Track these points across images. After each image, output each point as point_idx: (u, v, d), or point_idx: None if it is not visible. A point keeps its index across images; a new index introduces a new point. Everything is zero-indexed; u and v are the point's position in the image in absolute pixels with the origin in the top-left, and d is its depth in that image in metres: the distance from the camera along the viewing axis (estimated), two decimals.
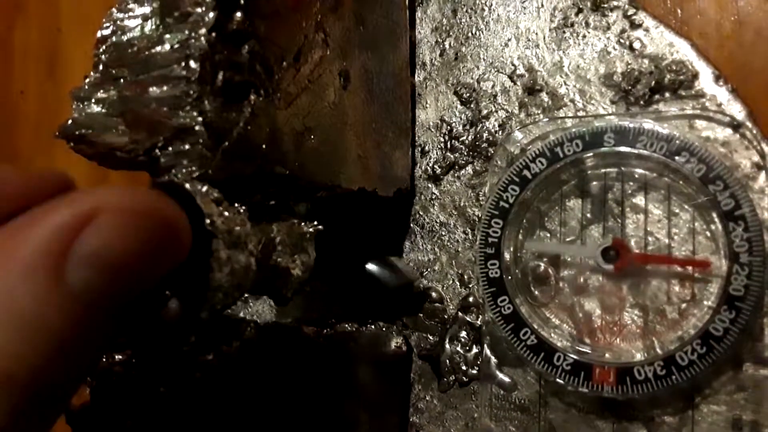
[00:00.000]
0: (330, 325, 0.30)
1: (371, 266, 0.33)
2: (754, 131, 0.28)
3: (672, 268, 0.28)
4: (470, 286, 0.33)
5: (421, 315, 0.34)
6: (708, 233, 0.28)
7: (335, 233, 0.30)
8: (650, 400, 0.28)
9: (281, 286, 0.27)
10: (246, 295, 0.39)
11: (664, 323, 0.28)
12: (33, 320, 0.15)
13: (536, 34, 0.33)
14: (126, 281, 0.17)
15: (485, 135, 0.34)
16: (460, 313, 0.33)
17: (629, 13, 0.31)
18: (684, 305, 0.28)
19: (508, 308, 0.29)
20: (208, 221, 0.22)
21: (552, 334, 0.29)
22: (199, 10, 0.23)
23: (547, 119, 0.32)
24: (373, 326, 0.32)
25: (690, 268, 0.28)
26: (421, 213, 0.35)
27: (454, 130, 0.35)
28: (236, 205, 0.25)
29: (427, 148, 0.35)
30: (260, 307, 0.38)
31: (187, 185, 0.23)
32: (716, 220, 0.27)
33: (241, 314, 0.36)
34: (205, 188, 0.23)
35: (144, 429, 0.21)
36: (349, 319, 0.31)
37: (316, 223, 0.28)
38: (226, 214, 0.23)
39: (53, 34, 0.52)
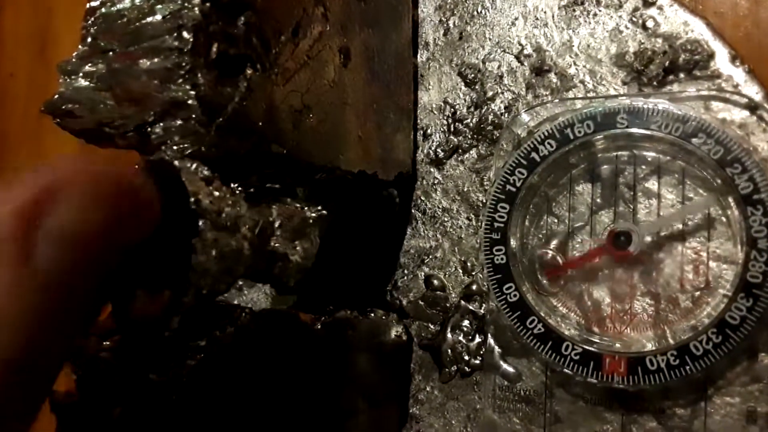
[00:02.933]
0: (328, 312, 0.29)
1: None
2: None
3: (685, 254, 0.27)
4: (473, 273, 0.32)
5: (422, 303, 0.33)
6: (724, 218, 0.27)
7: (334, 218, 0.29)
8: (661, 391, 0.27)
9: (280, 274, 0.26)
10: (240, 282, 0.38)
11: (677, 312, 0.27)
12: (3, 307, 0.15)
13: (545, 12, 0.32)
14: (93, 255, 0.17)
15: (490, 117, 0.33)
16: (462, 302, 0.32)
17: None
18: (698, 293, 0.27)
19: (515, 296, 0.28)
20: (192, 200, 0.20)
21: (560, 323, 0.28)
22: None
23: (555, 101, 0.30)
24: (372, 314, 0.31)
25: (704, 255, 0.27)
26: (422, 198, 0.34)
27: (458, 113, 0.34)
28: (232, 185, 0.24)
29: (429, 131, 0.34)
30: (255, 295, 0.37)
31: (176, 162, 0.21)
32: (733, 204, 0.26)
33: (235, 302, 0.35)
34: (194, 166, 0.22)
35: (133, 417, 0.20)
36: (348, 306, 0.30)
37: (320, 208, 0.27)
38: (216, 193, 0.22)
39: (44, 15, 0.50)
